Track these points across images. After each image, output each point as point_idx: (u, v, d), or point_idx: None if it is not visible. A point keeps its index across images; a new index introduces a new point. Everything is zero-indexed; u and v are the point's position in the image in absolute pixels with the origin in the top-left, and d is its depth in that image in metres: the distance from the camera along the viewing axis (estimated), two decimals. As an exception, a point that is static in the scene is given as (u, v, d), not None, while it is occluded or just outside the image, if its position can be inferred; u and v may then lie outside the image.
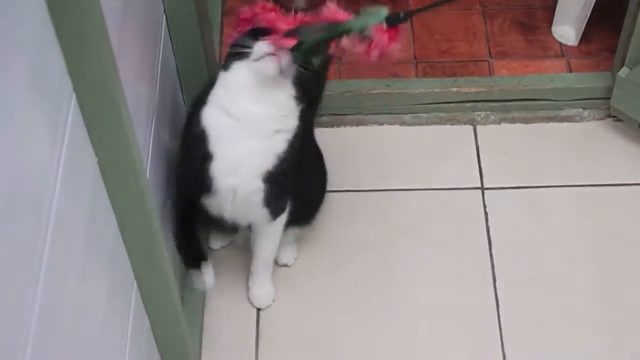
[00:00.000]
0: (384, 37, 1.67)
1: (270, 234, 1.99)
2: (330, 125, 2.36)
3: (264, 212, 1.89)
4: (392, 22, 1.68)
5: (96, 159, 1.33)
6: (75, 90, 1.23)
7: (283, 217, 1.96)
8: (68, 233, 1.22)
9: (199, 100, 1.84)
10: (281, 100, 1.77)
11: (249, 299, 2.09)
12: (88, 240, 1.31)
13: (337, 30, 1.68)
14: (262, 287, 2.08)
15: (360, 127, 2.40)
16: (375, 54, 1.67)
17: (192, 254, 1.95)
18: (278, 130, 1.80)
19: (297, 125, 1.82)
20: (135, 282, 1.58)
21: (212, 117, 1.80)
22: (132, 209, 1.44)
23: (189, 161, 1.85)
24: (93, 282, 1.36)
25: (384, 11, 1.68)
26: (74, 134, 1.23)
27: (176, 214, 1.94)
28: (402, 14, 1.67)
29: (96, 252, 1.36)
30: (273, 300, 2.09)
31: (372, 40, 1.67)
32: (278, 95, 1.76)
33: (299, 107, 1.80)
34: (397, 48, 1.67)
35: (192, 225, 1.95)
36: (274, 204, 1.88)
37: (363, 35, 1.67)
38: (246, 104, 1.76)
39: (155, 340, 1.73)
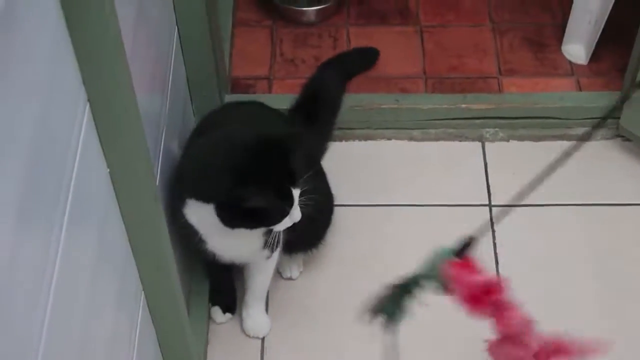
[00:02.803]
0: (463, 273, 1.43)
1: (266, 269, 2.00)
2: (339, 139, 2.36)
3: (262, 254, 1.90)
4: (461, 252, 1.45)
5: (108, 170, 1.34)
6: (89, 100, 1.24)
7: (277, 252, 1.97)
8: (79, 242, 1.22)
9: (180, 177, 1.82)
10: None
11: (243, 330, 2.07)
12: (98, 250, 1.32)
13: (409, 289, 1.50)
14: (256, 319, 2.07)
15: (369, 142, 2.40)
16: (463, 294, 1.45)
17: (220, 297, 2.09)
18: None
19: None
20: (143, 293, 1.58)
21: (195, 214, 1.76)
22: (142, 220, 1.44)
23: (182, 233, 1.82)
24: (102, 293, 1.36)
25: (447, 249, 1.45)
26: (87, 143, 1.23)
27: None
28: (468, 240, 1.45)
29: (106, 262, 1.36)
30: (270, 329, 2.07)
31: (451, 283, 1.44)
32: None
33: None
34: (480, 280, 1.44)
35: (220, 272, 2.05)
36: (272, 246, 1.88)
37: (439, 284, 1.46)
38: None
39: (161, 351, 1.73)
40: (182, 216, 1.77)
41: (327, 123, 2.25)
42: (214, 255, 1.85)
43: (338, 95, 2.25)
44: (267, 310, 2.10)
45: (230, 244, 1.82)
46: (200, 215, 1.74)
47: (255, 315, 2.05)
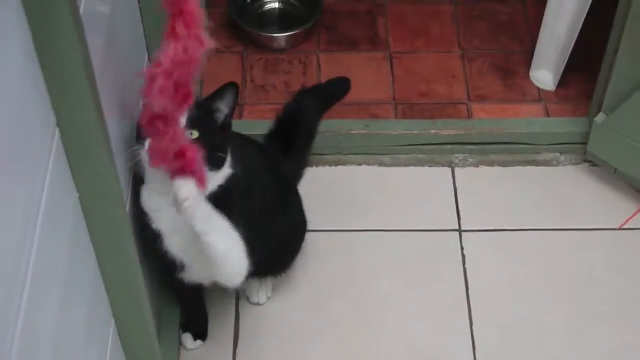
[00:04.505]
0: None
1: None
2: (309, 164, 2.37)
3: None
4: None
5: (77, 195, 1.33)
6: (59, 125, 1.23)
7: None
8: (48, 269, 1.22)
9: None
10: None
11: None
12: (68, 276, 1.31)
13: None
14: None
15: (339, 167, 2.41)
16: None
17: (192, 323, 2.08)
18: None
19: (230, 173, 1.77)
20: (113, 320, 1.57)
21: (148, 197, 1.75)
22: (112, 245, 1.44)
23: (145, 242, 1.79)
24: (72, 319, 1.35)
25: None
26: (57, 168, 1.23)
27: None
28: None
29: (76, 288, 1.35)
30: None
31: None
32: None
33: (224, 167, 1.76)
34: None
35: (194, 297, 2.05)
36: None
37: None
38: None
39: (131, 378, 1.72)
40: (140, 205, 1.75)
41: (303, 150, 2.26)
42: (173, 262, 1.82)
43: (315, 122, 2.26)
44: (238, 336, 2.09)
45: (181, 230, 1.75)
46: (155, 200, 1.74)
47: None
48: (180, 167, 1.60)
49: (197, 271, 1.86)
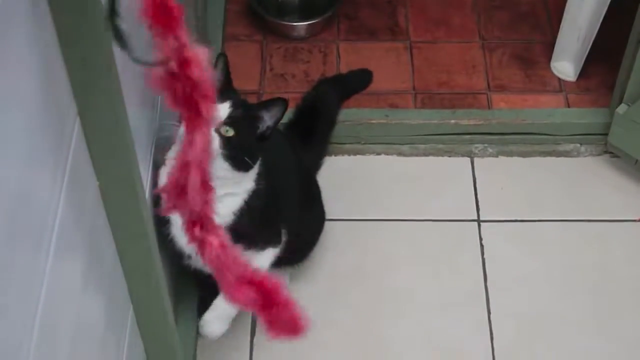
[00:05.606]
0: None
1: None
2: (328, 153, 2.37)
3: None
4: None
5: (97, 183, 1.34)
6: (80, 113, 1.24)
7: (269, 251, 1.90)
8: (68, 256, 1.22)
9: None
10: (218, 173, 1.68)
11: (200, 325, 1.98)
12: (87, 264, 1.31)
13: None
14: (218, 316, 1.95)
15: (358, 157, 2.41)
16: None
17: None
18: (227, 193, 1.75)
19: (253, 188, 1.79)
20: (131, 306, 1.58)
21: (164, 181, 1.73)
22: (131, 233, 1.44)
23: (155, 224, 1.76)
24: (90, 305, 1.36)
25: None
26: (77, 157, 1.23)
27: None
28: None
29: (95, 276, 1.36)
30: (222, 334, 1.95)
31: None
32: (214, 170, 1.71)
33: (249, 173, 1.77)
34: None
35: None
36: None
37: None
38: None
39: (149, 365, 1.73)
40: (155, 187, 1.75)
41: (323, 139, 2.26)
42: (180, 250, 1.82)
43: (335, 112, 2.26)
44: (255, 325, 2.10)
45: None
46: None
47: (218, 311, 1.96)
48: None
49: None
